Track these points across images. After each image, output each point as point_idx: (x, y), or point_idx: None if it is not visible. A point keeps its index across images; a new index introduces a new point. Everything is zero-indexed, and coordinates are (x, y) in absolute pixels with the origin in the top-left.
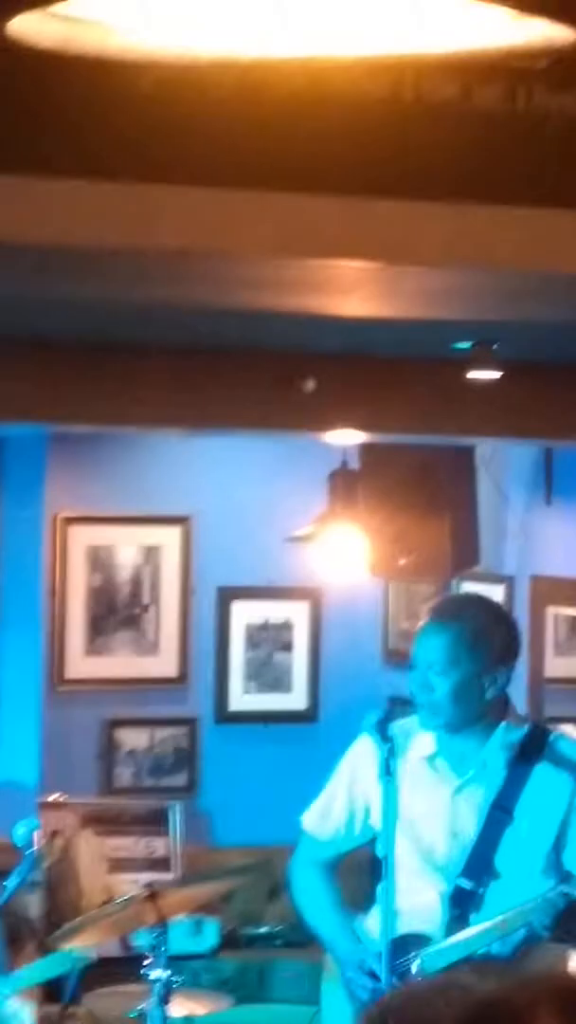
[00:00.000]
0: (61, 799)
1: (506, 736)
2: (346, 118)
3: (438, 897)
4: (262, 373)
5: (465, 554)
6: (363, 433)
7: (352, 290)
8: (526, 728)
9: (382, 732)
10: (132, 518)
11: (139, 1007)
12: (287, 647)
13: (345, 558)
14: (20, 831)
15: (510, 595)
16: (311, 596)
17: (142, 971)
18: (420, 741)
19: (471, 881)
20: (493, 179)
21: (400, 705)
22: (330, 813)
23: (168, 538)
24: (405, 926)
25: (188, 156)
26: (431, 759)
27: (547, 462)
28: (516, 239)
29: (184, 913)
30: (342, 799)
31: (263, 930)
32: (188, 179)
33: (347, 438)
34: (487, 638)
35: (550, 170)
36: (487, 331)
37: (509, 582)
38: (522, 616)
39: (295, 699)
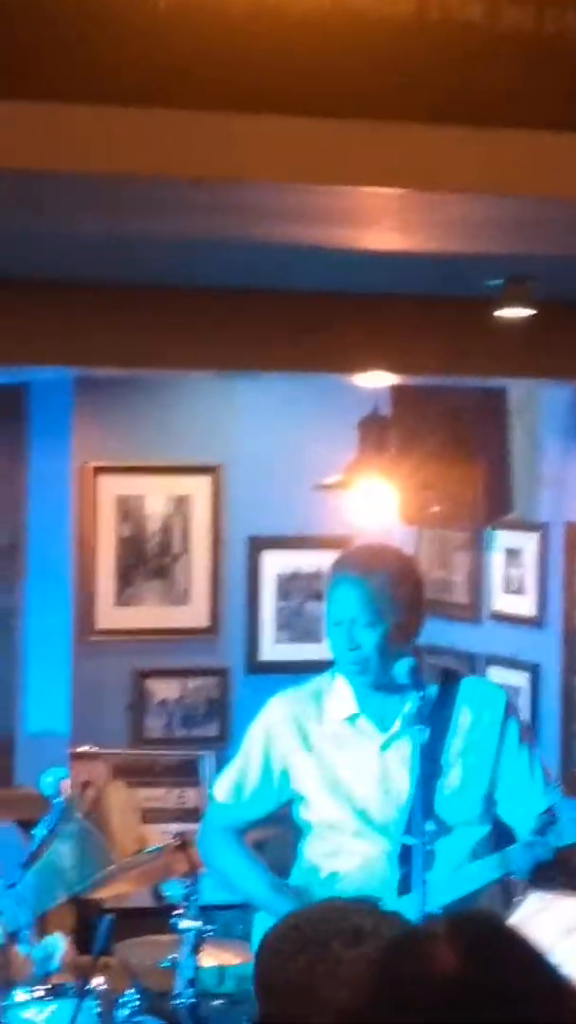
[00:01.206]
0: (92, 750)
1: (422, 688)
2: (370, 39)
3: (381, 857)
4: (291, 313)
5: (498, 501)
6: (393, 375)
7: (379, 221)
8: (440, 675)
9: (415, 681)
10: (161, 468)
11: (170, 956)
12: (318, 596)
13: (376, 506)
14: (47, 780)
15: (544, 542)
16: (342, 545)
17: (173, 921)
18: (338, 701)
19: (413, 837)
20: (526, 102)
21: (427, 654)
22: (244, 781)
23: (198, 488)
24: (347, 888)
25: (207, 80)
26: (352, 719)
27: None
28: (553, 165)
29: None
30: (257, 766)
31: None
32: (209, 104)
33: (377, 380)
34: (405, 587)
35: None
36: (521, 267)
37: (543, 529)
38: (556, 564)
39: (326, 649)
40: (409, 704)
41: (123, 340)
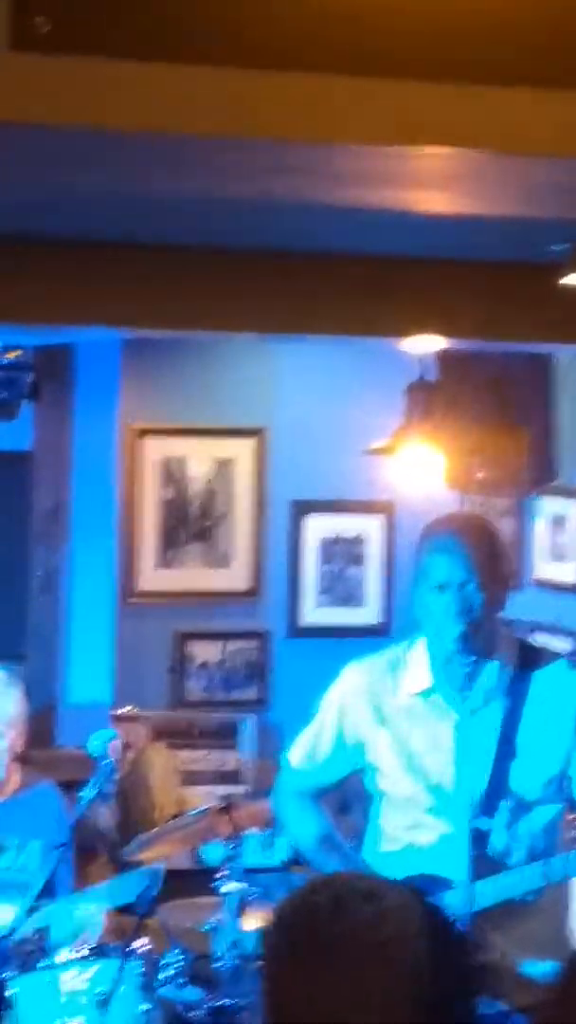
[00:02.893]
0: (133, 711)
1: (503, 660)
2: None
3: (454, 835)
4: (341, 277)
5: (542, 468)
6: (444, 339)
7: (449, 184)
8: (519, 652)
9: (465, 646)
10: (205, 430)
11: (212, 920)
12: (360, 561)
13: (421, 472)
14: (95, 742)
15: None
16: (385, 510)
17: (215, 884)
18: (414, 673)
19: (487, 818)
20: None
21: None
22: (318, 750)
23: (241, 450)
24: (416, 866)
25: (280, 40)
26: (427, 693)
27: None
28: None
29: (257, 827)
30: (331, 734)
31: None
32: (279, 64)
33: (426, 345)
34: (504, 555)
35: None
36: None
37: None
38: None
39: (368, 613)
40: (486, 679)
41: (169, 302)
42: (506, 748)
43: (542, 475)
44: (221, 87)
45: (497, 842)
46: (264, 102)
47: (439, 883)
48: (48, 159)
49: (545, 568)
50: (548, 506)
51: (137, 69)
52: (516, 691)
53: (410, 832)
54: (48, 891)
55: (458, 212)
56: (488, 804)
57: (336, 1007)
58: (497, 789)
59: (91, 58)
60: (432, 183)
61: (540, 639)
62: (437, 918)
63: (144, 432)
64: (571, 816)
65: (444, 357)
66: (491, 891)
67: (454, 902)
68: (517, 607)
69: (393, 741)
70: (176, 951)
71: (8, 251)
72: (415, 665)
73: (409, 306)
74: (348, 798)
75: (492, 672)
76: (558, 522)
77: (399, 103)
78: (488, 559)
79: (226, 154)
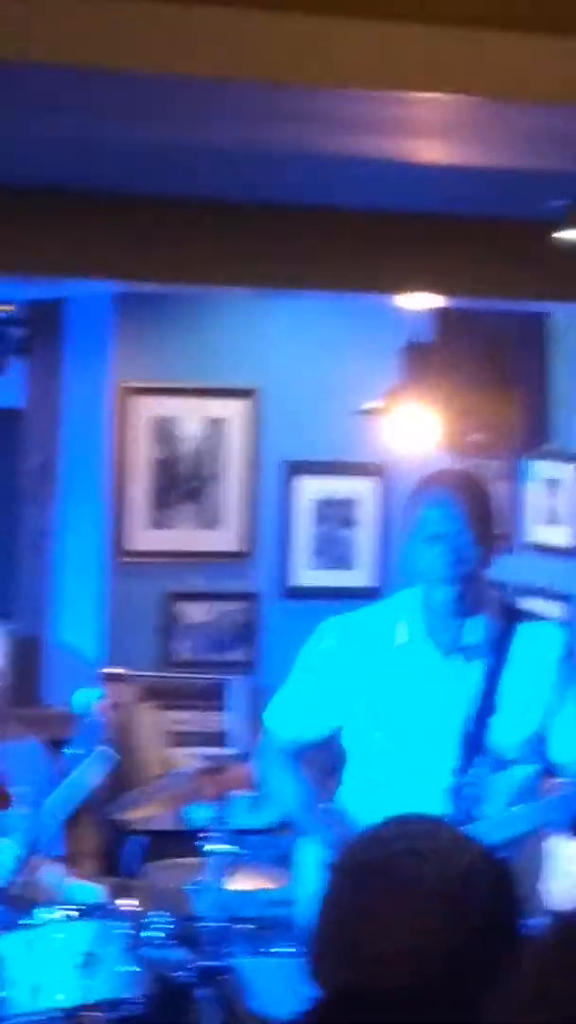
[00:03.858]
0: (121, 671)
1: (489, 618)
2: None
3: (430, 789)
4: (335, 231)
5: (535, 431)
6: (440, 297)
7: (445, 132)
8: (504, 611)
9: (454, 599)
10: (197, 390)
11: (198, 880)
12: (353, 523)
13: (414, 433)
14: (82, 700)
15: None
16: (378, 472)
17: (201, 844)
18: (398, 628)
19: (465, 772)
20: None
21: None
22: (296, 708)
23: (233, 410)
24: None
25: None
26: (412, 646)
27: None
28: None
29: (244, 788)
30: (310, 690)
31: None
32: (281, 5)
33: (421, 303)
34: (495, 512)
35: None
36: None
37: None
38: None
39: (360, 576)
40: (471, 635)
41: (160, 254)
42: (486, 705)
43: (536, 438)
44: (212, 27)
45: (473, 797)
46: (257, 43)
47: None
48: (31, 102)
49: (538, 531)
50: (542, 469)
51: (125, 7)
52: (499, 649)
53: (387, 787)
54: (34, 847)
55: (454, 163)
56: (466, 760)
57: (400, 937)
58: (475, 745)
59: None
60: (427, 131)
61: (531, 602)
62: (502, 871)
63: (135, 391)
64: (548, 782)
65: (438, 318)
66: (494, 827)
67: None
68: (509, 570)
69: (373, 696)
70: (161, 911)
71: None
72: (401, 618)
73: (403, 262)
74: (335, 758)
75: (477, 629)
76: (551, 485)
77: (395, 46)
78: (480, 515)
79: (218, 97)
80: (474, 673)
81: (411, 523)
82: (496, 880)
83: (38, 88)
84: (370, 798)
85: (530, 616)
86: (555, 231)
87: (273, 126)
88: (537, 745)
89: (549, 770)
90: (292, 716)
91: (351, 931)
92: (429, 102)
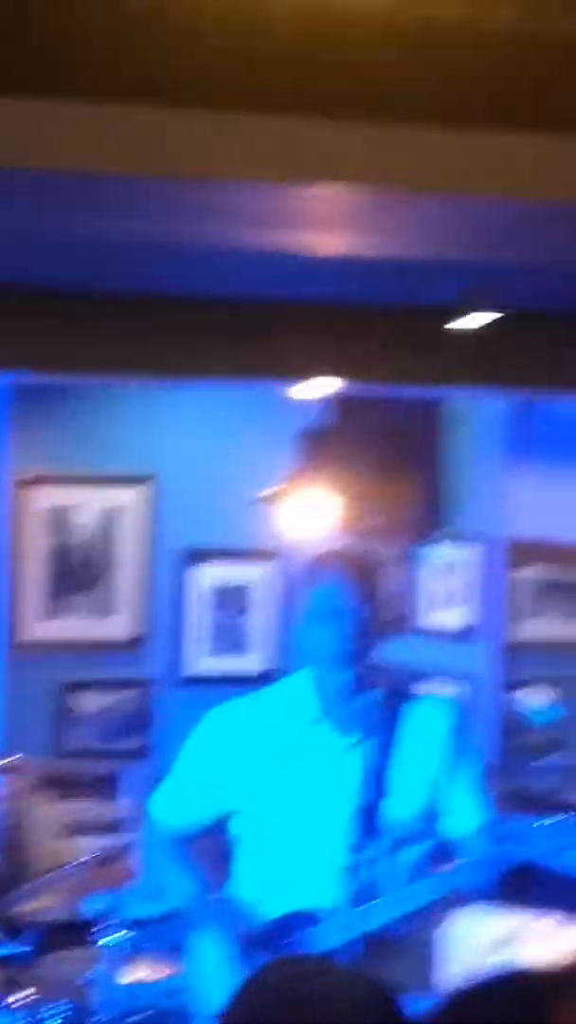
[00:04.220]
0: (16, 761)
1: (376, 697)
2: (339, 38)
3: (327, 871)
4: (230, 320)
5: (431, 515)
6: (335, 383)
7: (336, 223)
8: (394, 689)
9: (347, 676)
10: (94, 478)
11: (91, 971)
12: (248, 608)
13: (313, 519)
14: None
15: (480, 556)
16: (275, 557)
17: (94, 936)
18: (292, 710)
19: (360, 851)
20: (497, 104)
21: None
22: (182, 798)
23: (130, 498)
24: (289, 903)
25: (179, 74)
26: (315, 723)
27: (523, 420)
28: (521, 166)
29: (135, 879)
30: (196, 781)
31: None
32: (180, 100)
33: (317, 390)
34: (384, 590)
35: (560, 94)
36: (474, 276)
37: (478, 543)
38: (491, 578)
39: (256, 661)
40: (362, 713)
41: (54, 345)
42: (378, 783)
43: (432, 522)
44: (106, 122)
45: (369, 876)
46: (152, 137)
47: (311, 918)
48: None
49: (432, 615)
50: (436, 553)
51: (29, 106)
52: (389, 728)
53: (282, 871)
54: None
55: (350, 253)
56: (361, 839)
57: None
58: (369, 824)
59: None
60: (323, 222)
61: (426, 685)
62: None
63: (31, 481)
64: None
65: (335, 404)
66: (362, 919)
67: (327, 934)
68: (404, 652)
69: (263, 780)
70: (61, 1002)
71: None
72: (293, 701)
73: (301, 349)
74: (226, 845)
75: (369, 708)
76: (446, 569)
77: (292, 139)
78: (371, 593)
79: (115, 190)
80: (366, 752)
81: (303, 602)
82: (387, 1011)
83: None
84: (264, 884)
85: (419, 695)
86: (449, 320)
87: (171, 218)
88: (430, 821)
89: (443, 846)
90: (178, 804)
91: None
92: (325, 194)
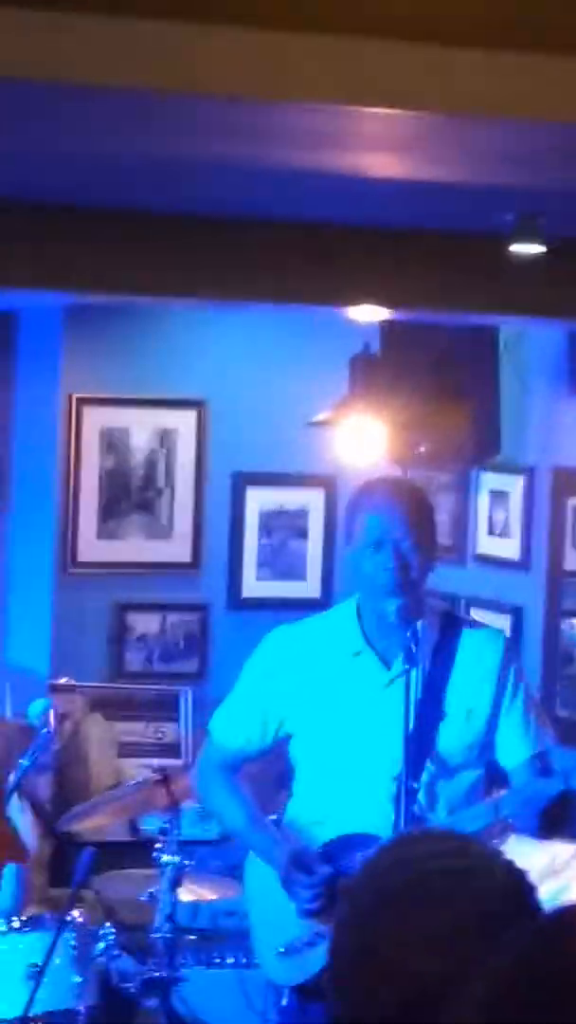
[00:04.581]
0: (70, 683)
1: (429, 626)
2: None
3: (378, 798)
4: (286, 243)
5: (484, 443)
6: (389, 309)
7: (394, 146)
8: (448, 619)
9: (397, 606)
10: (147, 401)
11: (148, 891)
12: (302, 534)
13: (363, 445)
14: (35, 710)
15: (530, 486)
16: (327, 483)
17: (152, 855)
18: (342, 637)
19: (413, 777)
20: (552, 25)
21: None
22: (241, 718)
23: (184, 422)
24: (342, 828)
25: None
26: (357, 655)
27: (572, 350)
28: None
29: (193, 799)
30: (255, 702)
31: (271, 817)
32: (237, 19)
33: (370, 315)
34: (434, 520)
35: None
36: (534, 201)
37: (529, 472)
38: (542, 508)
39: (308, 587)
40: (416, 642)
41: (111, 265)
42: (431, 711)
43: (484, 450)
44: (168, 40)
45: (420, 803)
46: (212, 57)
47: (364, 842)
48: None
49: (486, 543)
50: (490, 481)
51: (85, 22)
52: (443, 656)
53: (329, 798)
54: None
55: (406, 177)
56: (412, 766)
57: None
58: (421, 751)
59: (22, 9)
60: (380, 146)
61: (479, 615)
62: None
63: (85, 401)
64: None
65: (389, 329)
66: None
67: None
68: (458, 582)
69: (318, 705)
70: (111, 922)
71: None
72: (346, 627)
73: (354, 274)
74: (283, 769)
75: (422, 636)
76: (500, 497)
77: (350, 61)
78: (420, 521)
79: (175, 110)
80: (417, 680)
81: (354, 530)
82: (524, 900)
83: None
84: (319, 807)
85: (472, 624)
86: (506, 245)
87: (229, 139)
88: (482, 750)
89: (492, 774)
90: (237, 727)
91: (382, 958)
92: (384, 117)
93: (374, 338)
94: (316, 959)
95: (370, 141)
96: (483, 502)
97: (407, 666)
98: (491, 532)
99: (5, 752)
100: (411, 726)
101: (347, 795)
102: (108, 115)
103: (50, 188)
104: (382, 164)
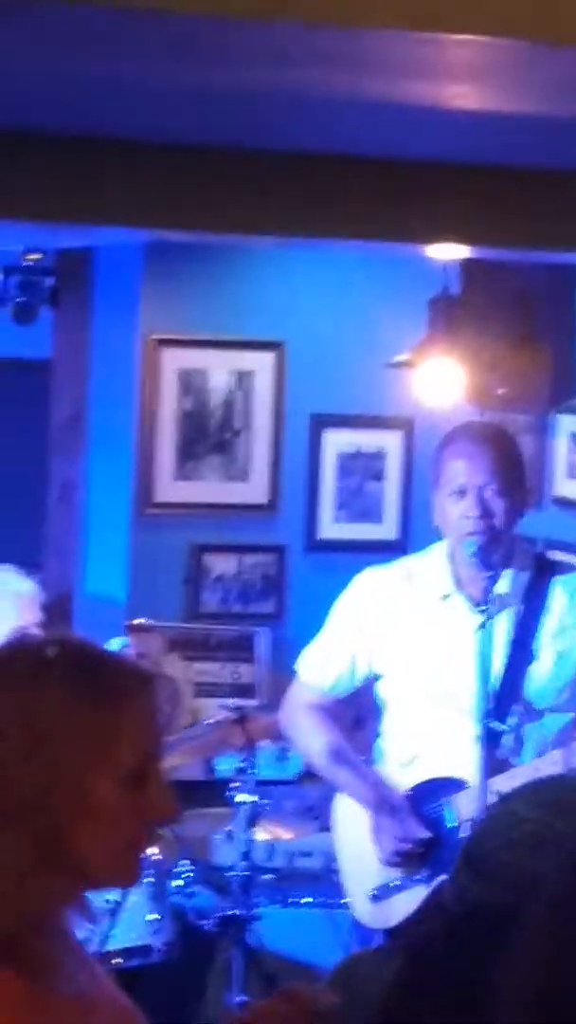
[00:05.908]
0: (147, 623)
1: (519, 569)
2: None
3: (466, 740)
4: (364, 179)
5: (563, 385)
6: (467, 246)
7: (485, 76)
8: (536, 562)
9: (483, 551)
10: (225, 342)
11: (225, 829)
12: (379, 476)
13: (442, 387)
14: (112, 648)
15: None
16: (405, 425)
17: (228, 795)
18: (432, 579)
19: (500, 721)
20: None
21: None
22: (330, 658)
23: (261, 363)
24: (430, 771)
25: None
26: (446, 597)
27: None
28: None
29: (270, 739)
30: (344, 641)
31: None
32: None
33: (450, 252)
34: (522, 464)
35: None
36: None
37: None
38: None
39: (385, 529)
40: (503, 585)
41: (187, 202)
42: (521, 654)
43: (564, 392)
44: None
45: (508, 746)
46: None
47: (452, 785)
48: (60, 43)
49: (565, 486)
50: (569, 424)
51: None
52: (532, 599)
53: (423, 737)
54: None
55: (486, 108)
56: (500, 708)
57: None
58: (510, 694)
59: None
60: (460, 75)
61: (561, 557)
62: None
63: (164, 342)
64: None
65: (468, 270)
66: (502, 788)
67: (468, 801)
68: (537, 525)
69: (407, 647)
70: (187, 860)
71: (26, 145)
72: (434, 570)
73: (433, 210)
74: (362, 712)
75: (510, 579)
76: None
77: None
78: (507, 466)
79: (251, 38)
80: (508, 622)
81: (437, 476)
82: None
83: (68, 29)
84: (406, 750)
85: (563, 567)
86: None
87: (305, 69)
88: (572, 694)
89: None
90: (326, 666)
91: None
92: (463, 44)
93: (453, 280)
94: (404, 904)
95: (449, 70)
96: (562, 445)
97: (491, 609)
98: (570, 475)
99: None
100: (499, 669)
101: (434, 737)
102: (185, 44)
103: (133, 125)
104: (461, 94)
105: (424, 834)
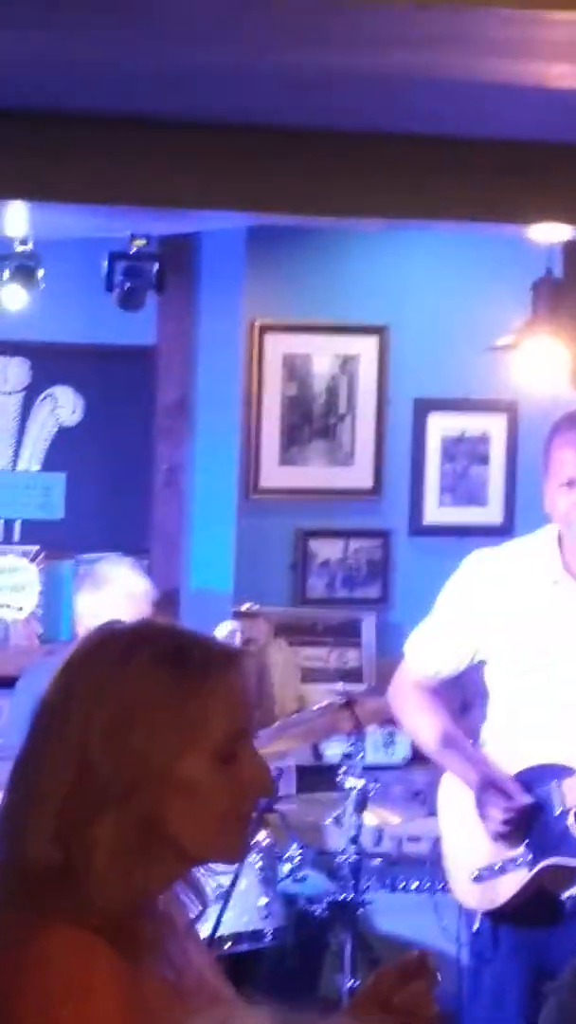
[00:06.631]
0: (254, 608)
1: None
2: None
3: (573, 726)
4: (469, 161)
5: None
6: (572, 227)
7: None
8: None
9: None
10: (329, 327)
11: (334, 814)
12: (484, 460)
13: (545, 369)
14: (220, 634)
15: None
16: (509, 409)
17: (336, 779)
18: (541, 564)
19: None
20: None
21: None
22: (438, 640)
23: (365, 348)
24: (536, 756)
25: None
26: (556, 583)
27: None
28: None
29: (377, 724)
30: (453, 625)
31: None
32: None
33: (555, 234)
34: None
35: None
36: None
37: None
38: None
39: (490, 513)
40: None
41: (293, 185)
42: None
43: None
44: None
45: None
46: None
47: (558, 771)
48: (165, 27)
49: None
50: None
51: None
52: None
53: (529, 722)
54: None
55: None
56: None
57: None
58: None
59: None
60: (566, 54)
61: None
62: None
63: (268, 328)
64: None
65: (571, 252)
66: None
67: (573, 789)
68: None
69: (514, 632)
70: (296, 845)
71: (129, 132)
72: (543, 555)
73: (538, 191)
74: (469, 696)
75: None
76: None
77: None
78: None
79: (357, 20)
80: None
81: (547, 466)
82: None
83: (175, 12)
84: (512, 735)
85: None
86: None
87: (410, 50)
88: None
89: None
90: (433, 648)
91: None
92: (568, 23)
93: (556, 263)
94: (507, 886)
95: (555, 49)
96: None
97: None
98: None
99: None
100: None
101: (540, 722)
102: (286, 25)
103: (237, 109)
104: (567, 74)
105: (528, 800)
